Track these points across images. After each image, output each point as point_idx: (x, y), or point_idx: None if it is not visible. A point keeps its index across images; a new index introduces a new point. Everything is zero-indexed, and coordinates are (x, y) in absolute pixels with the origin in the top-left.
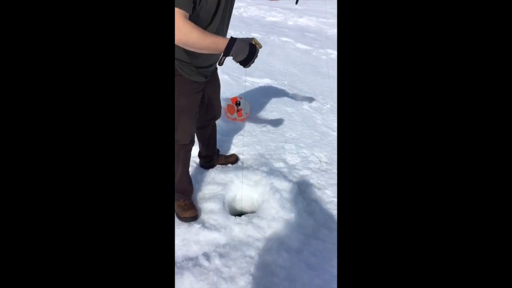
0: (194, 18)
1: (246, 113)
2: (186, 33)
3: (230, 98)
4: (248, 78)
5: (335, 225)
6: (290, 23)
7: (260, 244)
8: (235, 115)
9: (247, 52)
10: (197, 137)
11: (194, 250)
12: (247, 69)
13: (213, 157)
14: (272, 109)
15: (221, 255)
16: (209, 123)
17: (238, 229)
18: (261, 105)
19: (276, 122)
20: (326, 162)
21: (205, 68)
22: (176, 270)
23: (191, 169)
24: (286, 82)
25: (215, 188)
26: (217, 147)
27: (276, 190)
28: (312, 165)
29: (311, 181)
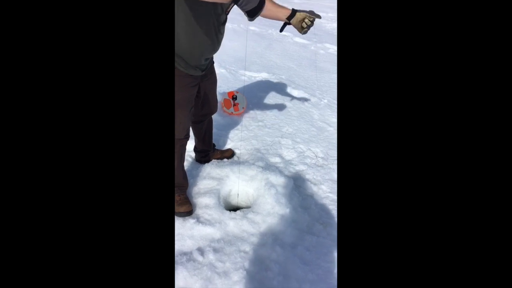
0: None
1: (243, 108)
2: None
3: (226, 92)
4: (245, 72)
5: (330, 221)
6: None
7: (254, 239)
8: (232, 109)
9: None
10: (193, 132)
11: (188, 245)
12: (245, 63)
13: (209, 152)
14: (269, 104)
15: (215, 250)
16: (205, 118)
17: (233, 224)
18: (258, 100)
19: (273, 117)
20: (322, 158)
21: (201, 63)
22: None
23: (186, 164)
24: (283, 77)
25: (211, 183)
26: (213, 141)
27: (271, 185)
28: (308, 160)
29: (307, 176)
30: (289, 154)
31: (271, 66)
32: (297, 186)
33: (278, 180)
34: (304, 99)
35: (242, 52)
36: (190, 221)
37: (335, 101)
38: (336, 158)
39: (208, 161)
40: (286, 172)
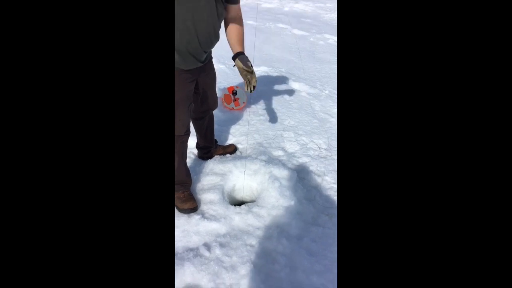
0: None
1: (243, 102)
2: None
3: (226, 87)
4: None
5: (335, 211)
6: (286, 9)
7: (260, 233)
8: (232, 104)
9: None
10: (195, 128)
11: (195, 240)
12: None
13: (211, 148)
14: (269, 97)
15: (221, 245)
16: (205, 114)
17: (238, 218)
18: (259, 94)
19: (274, 110)
20: (325, 149)
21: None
22: (176, 261)
23: (189, 161)
24: (283, 69)
25: (214, 178)
26: (215, 137)
27: (275, 179)
28: (311, 152)
29: (311, 168)
30: (292, 147)
31: (270, 59)
32: (301, 178)
33: (282, 173)
34: (305, 91)
35: None
36: (195, 217)
37: (336, 92)
38: None
39: (210, 157)
40: (290, 165)
